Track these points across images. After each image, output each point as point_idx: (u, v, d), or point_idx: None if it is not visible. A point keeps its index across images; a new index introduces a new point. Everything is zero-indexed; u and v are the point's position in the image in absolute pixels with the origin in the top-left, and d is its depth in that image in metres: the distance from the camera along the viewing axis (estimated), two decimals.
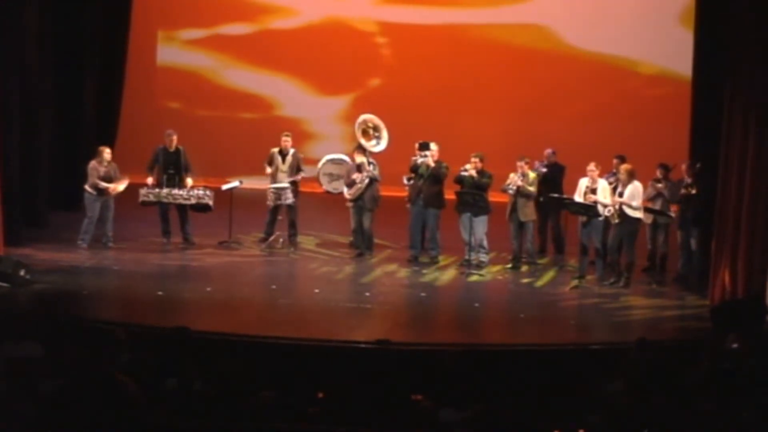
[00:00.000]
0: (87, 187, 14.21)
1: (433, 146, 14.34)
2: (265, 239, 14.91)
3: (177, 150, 14.80)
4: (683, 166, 13.82)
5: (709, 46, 14.18)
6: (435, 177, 14.22)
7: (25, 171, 14.86)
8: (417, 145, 14.40)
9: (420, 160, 14.27)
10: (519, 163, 14.09)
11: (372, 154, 14.87)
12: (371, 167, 14.53)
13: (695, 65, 14.90)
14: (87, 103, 16.94)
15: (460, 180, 14.10)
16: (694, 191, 13.35)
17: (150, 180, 14.63)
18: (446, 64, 19.30)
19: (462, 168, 14.12)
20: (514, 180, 13.99)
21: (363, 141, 14.91)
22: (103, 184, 14.16)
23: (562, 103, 19.12)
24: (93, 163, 14.28)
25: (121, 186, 14.30)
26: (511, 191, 14.01)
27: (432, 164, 14.20)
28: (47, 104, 15.74)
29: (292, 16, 19.64)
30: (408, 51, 19.43)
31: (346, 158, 15.15)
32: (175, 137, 14.77)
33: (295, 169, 14.87)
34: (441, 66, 19.30)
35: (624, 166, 13.51)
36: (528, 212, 14.10)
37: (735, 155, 12.14)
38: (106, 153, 14.38)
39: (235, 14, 19.75)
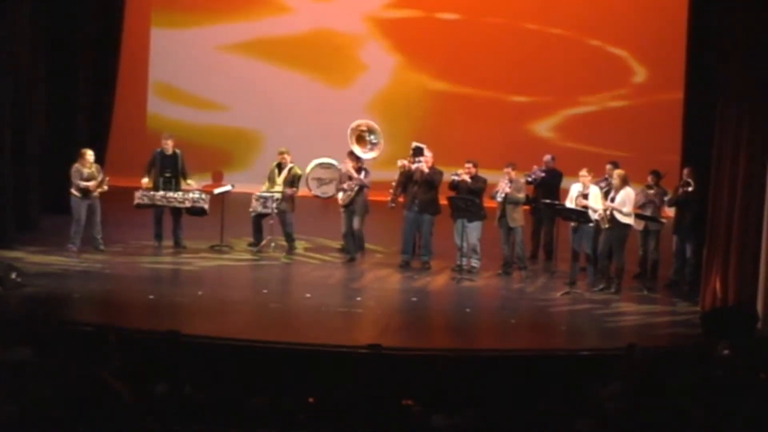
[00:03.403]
0: (72, 190, 14.20)
1: (427, 152, 14.34)
2: (255, 244, 14.90)
3: (174, 153, 14.80)
4: (685, 171, 13.81)
5: (702, 52, 14.21)
6: (429, 183, 14.21)
7: (17, 175, 14.86)
8: (411, 151, 14.39)
9: (414, 166, 14.25)
10: (506, 170, 14.09)
11: (365, 160, 14.84)
12: (362, 174, 14.50)
13: (688, 71, 14.93)
14: (79, 107, 16.92)
15: (454, 186, 14.10)
16: (690, 189, 13.35)
17: (144, 180, 14.60)
18: (442, 67, 19.34)
19: (454, 173, 14.13)
20: (502, 187, 13.99)
21: (356, 147, 14.88)
22: (84, 183, 14.14)
23: (558, 108, 19.18)
24: (76, 166, 14.26)
25: (100, 182, 14.24)
26: (499, 198, 14.01)
27: (426, 170, 14.19)
28: (39, 108, 15.73)
29: (288, 18, 19.65)
30: (404, 54, 19.46)
31: (335, 162, 15.11)
32: (171, 140, 14.78)
33: (289, 182, 14.85)
34: (437, 69, 19.35)
35: (617, 172, 13.52)
36: (516, 218, 14.09)
37: (727, 162, 12.17)
38: (89, 155, 14.35)
39: (229, 18, 19.76)
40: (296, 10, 19.66)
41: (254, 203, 14.75)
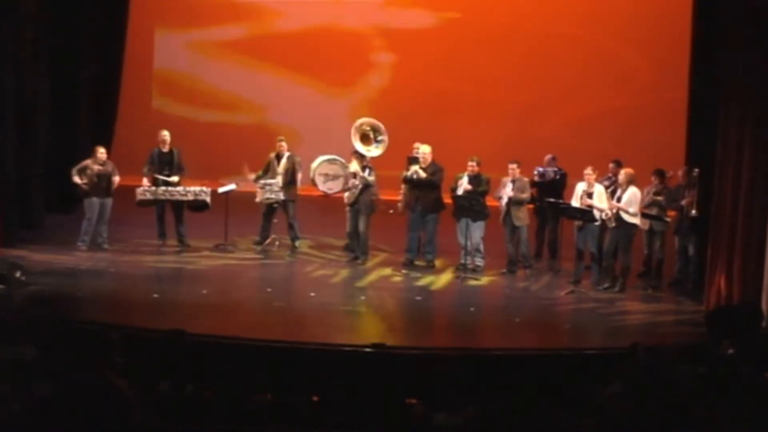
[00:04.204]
0: (75, 178, 14.27)
1: (423, 149, 14.33)
2: (260, 242, 14.91)
3: (171, 151, 14.83)
4: (680, 172, 13.83)
5: (707, 51, 14.19)
6: (430, 184, 14.22)
7: (21, 173, 14.89)
8: (406, 160, 14.40)
9: (411, 174, 14.22)
10: (511, 167, 14.07)
11: (370, 158, 14.82)
12: (366, 172, 14.49)
13: (692, 69, 14.91)
14: (83, 104, 16.95)
15: (457, 197, 14.07)
16: (694, 212, 13.31)
17: (144, 182, 14.65)
18: (443, 66, 19.31)
19: (457, 182, 14.04)
20: (506, 191, 13.93)
21: (360, 145, 14.87)
22: (76, 179, 14.21)
23: (560, 106, 19.16)
24: (87, 161, 14.34)
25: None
26: (503, 203, 13.96)
27: (424, 176, 14.18)
28: (43, 106, 15.75)
29: (290, 18, 19.65)
30: (405, 53, 19.44)
31: (342, 159, 15.12)
32: (166, 133, 14.82)
33: (290, 172, 14.86)
34: (438, 68, 19.32)
35: (625, 170, 13.48)
36: (521, 216, 14.06)
37: (731, 160, 12.15)
38: (100, 153, 14.42)
39: (232, 16, 19.76)
40: (299, 7, 19.65)
41: (259, 191, 14.74)
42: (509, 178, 14.00)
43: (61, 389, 6.35)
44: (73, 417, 5.97)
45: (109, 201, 14.38)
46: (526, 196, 14.09)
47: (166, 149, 14.84)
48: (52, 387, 6.49)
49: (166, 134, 14.89)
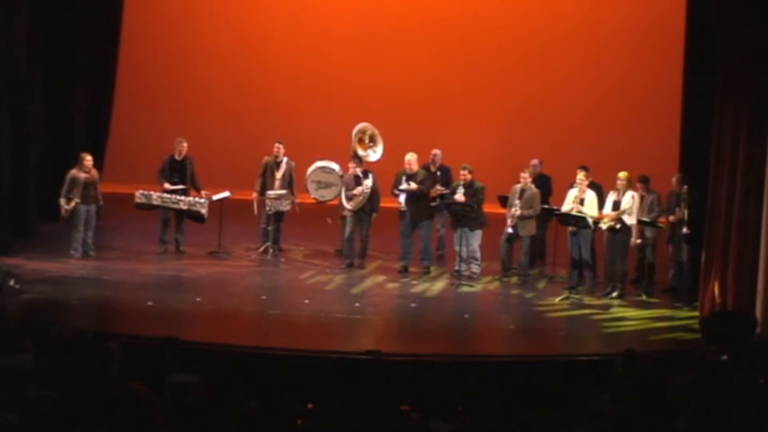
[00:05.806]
0: (62, 200, 14.24)
1: (409, 157, 14.36)
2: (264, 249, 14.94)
3: (184, 159, 14.81)
4: (673, 179, 13.84)
5: (700, 57, 14.22)
6: (420, 194, 14.26)
7: (15, 181, 14.86)
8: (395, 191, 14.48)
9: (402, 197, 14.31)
10: (523, 175, 13.98)
11: (368, 163, 14.81)
12: (369, 178, 14.46)
13: (685, 76, 14.93)
14: (77, 112, 16.91)
15: (451, 205, 14.08)
16: (685, 230, 13.36)
17: (167, 185, 14.65)
18: (438, 69, 19.33)
19: (454, 191, 14.05)
20: (513, 215, 13.86)
21: (359, 150, 14.87)
22: (62, 202, 14.15)
23: (554, 111, 19.18)
24: (73, 171, 14.28)
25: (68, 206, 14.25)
26: (511, 226, 13.92)
27: (414, 187, 14.20)
28: (37, 114, 15.72)
29: (287, 22, 19.67)
30: (401, 58, 19.46)
31: (336, 167, 15.10)
32: (184, 145, 14.78)
33: (288, 177, 14.86)
34: (434, 72, 19.34)
35: (623, 174, 13.40)
36: (528, 227, 13.95)
37: (725, 167, 12.17)
38: (87, 160, 14.36)
39: (227, 21, 19.78)
40: (295, 7, 19.67)
41: (269, 203, 14.72)
42: (511, 218, 13.92)
43: (56, 397, 6.35)
44: (67, 425, 5.97)
45: (94, 208, 14.33)
46: (533, 211, 13.97)
47: (179, 157, 14.82)
48: (48, 395, 6.49)
49: (184, 144, 14.85)
